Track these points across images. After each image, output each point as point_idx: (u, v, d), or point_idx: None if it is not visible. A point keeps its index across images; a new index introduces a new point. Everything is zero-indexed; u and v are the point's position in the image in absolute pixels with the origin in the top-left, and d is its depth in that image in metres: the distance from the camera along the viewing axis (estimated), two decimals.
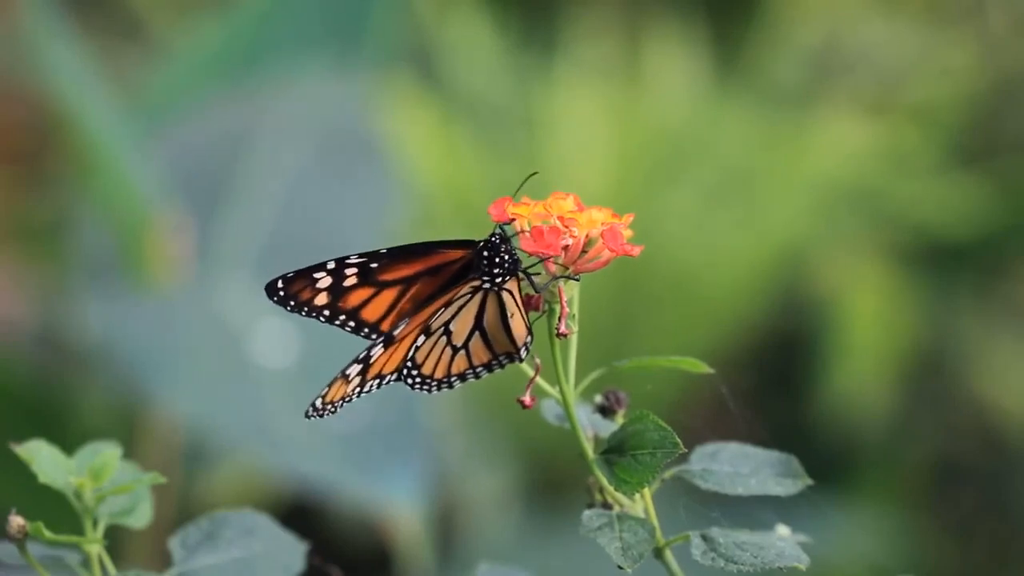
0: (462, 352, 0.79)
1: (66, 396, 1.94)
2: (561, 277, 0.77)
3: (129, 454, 0.83)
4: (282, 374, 1.68)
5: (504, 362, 0.80)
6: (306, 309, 0.81)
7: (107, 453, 0.80)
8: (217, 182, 1.87)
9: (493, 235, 0.78)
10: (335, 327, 0.81)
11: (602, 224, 0.77)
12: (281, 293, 0.81)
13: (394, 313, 0.80)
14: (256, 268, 1.79)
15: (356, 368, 0.79)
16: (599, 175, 2.17)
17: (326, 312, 0.81)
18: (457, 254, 0.80)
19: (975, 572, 2.27)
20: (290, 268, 0.80)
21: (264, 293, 0.83)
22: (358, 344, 0.80)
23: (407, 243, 0.80)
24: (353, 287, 0.80)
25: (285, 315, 1.73)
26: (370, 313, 0.81)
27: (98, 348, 1.80)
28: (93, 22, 2.47)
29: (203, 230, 1.82)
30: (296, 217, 1.85)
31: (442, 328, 0.79)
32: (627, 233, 0.77)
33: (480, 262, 0.79)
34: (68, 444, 0.83)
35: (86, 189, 1.90)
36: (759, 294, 2.25)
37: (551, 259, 0.77)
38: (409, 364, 0.79)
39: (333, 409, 0.79)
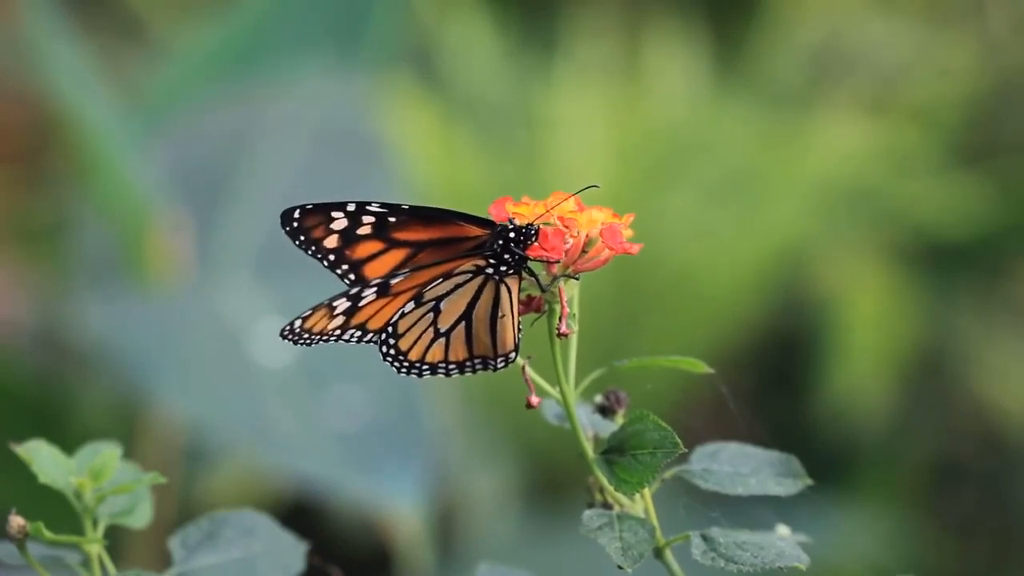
0: (441, 340, 0.78)
1: (66, 396, 1.94)
2: (562, 276, 0.77)
3: (129, 454, 0.83)
4: (282, 374, 1.68)
5: (477, 367, 0.78)
6: (313, 248, 0.80)
7: (107, 453, 0.80)
8: (217, 182, 1.87)
9: (527, 226, 0.78)
10: (335, 276, 0.80)
11: (602, 224, 0.77)
12: (295, 224, 0.80)
13: None
14: (256, 268, 1.79)
15: (344, 304, 0.77)
16: (599, 175, 2.17)
17: (331, 257, 0.79)
18: (474, 231, 0.79)
19: (975, 572, 2.27)
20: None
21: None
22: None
23: (427, 205, 0.79)
24: (365, 237, 0.79)
25: (284, 315, 1.73)
26: (373, 270, 0.79)
27: (98, 348, 1.80)
28: (93, 22, 2.47)
29: (203, 230, 1.82)
30: None
31: (433, 302, 0.78)
32: (627, 233, 0.77)
33: (495, 243, 0.77)
34: (68, 444, 0.83)
35: (86, 189, 1.90)
36: (759, 294, 2.25)
37: (553, 260, 0.77)
38: (390, 329, 0.78)
39: (309, 339, 0.77)
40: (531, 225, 0.77)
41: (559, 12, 2.50)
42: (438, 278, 0.78)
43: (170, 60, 2.09)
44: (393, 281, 0.78)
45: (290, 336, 0.78)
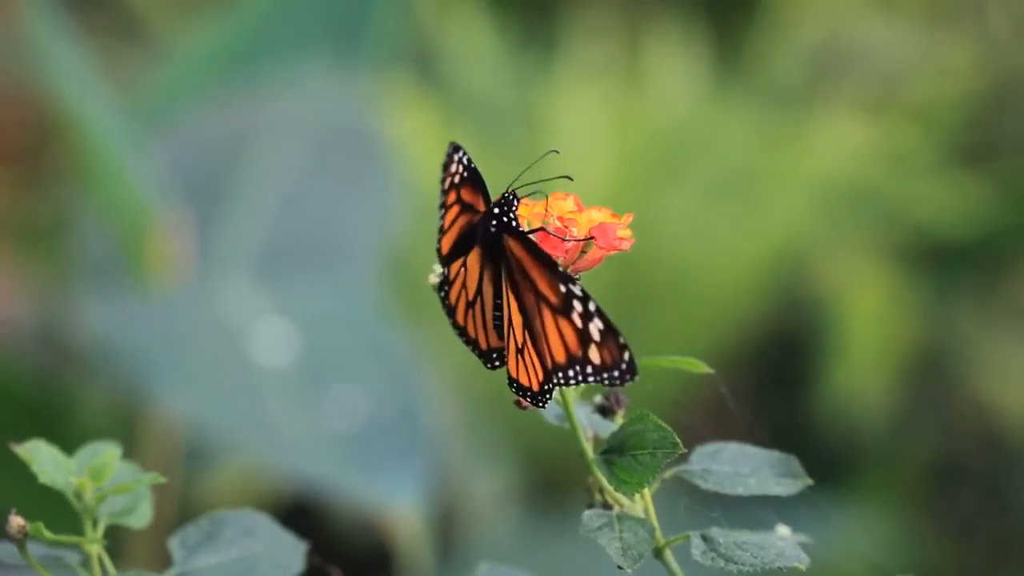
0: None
1: (66, 396, 1.94)
2: None
3: (129, 454, 0.83)
4: (282, 374, 1.68)
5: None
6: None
7: (107, 453, 0.80)
8: (217, 182, 1.87)
9: (505, 194, 0.77)
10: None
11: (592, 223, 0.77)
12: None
13: (447, 236, 0.78)
14: (256, 268, 1.79)
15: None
16: (599, 175, 2.17)
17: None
18: (482, 206, 0.78)
19: (975, 572, 2.27)
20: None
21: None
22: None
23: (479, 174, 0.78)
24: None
25: (284, 315, 1.73)
26: (447, 239, 0.78)
27: (98, 348, 1.80)
28: (93, 22, 2.47)
29: (203, 230, 1.82)
30: (296, 217, 1.85)
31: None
32: (626, 233, 0.77)
33: (489, 224, 0.76)
34: (68, 444, 0.83)
35: (86, 189, 1.90)
36: (759, 294, 2.25)
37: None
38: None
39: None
40: (513, 192, 0.77)
41: (559, 12, 2.50)
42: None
43: (170, 60, 2.09)
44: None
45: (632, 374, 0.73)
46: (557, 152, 0.79)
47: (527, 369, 0.73)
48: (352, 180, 1.88)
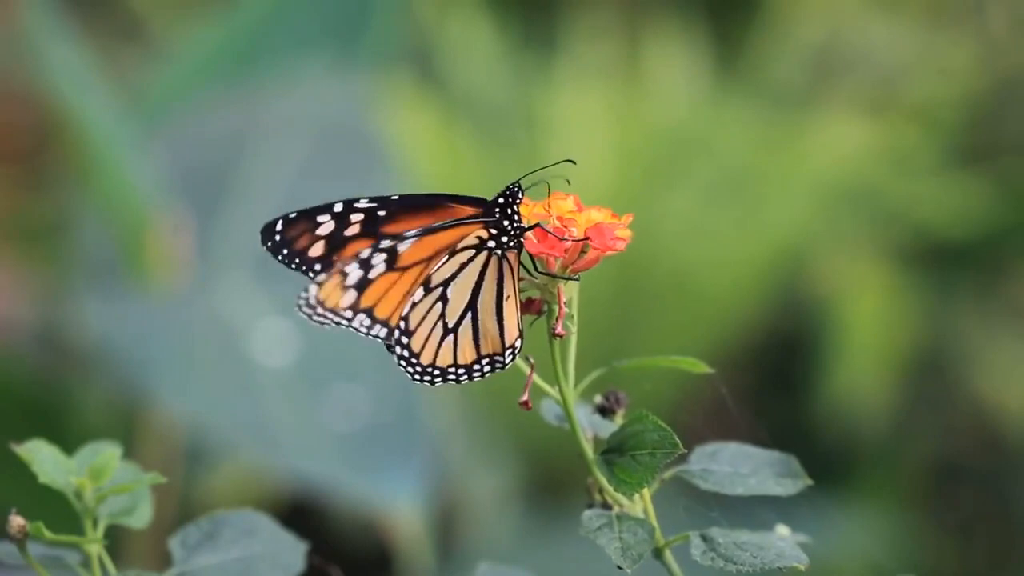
0: (450, 338, 0.75)
1: (66, 396, 1.94)
2: (561, 277, 0.77)
3: (129, 454, 0.83)
4: (282, 374, 1.68)
5: (486, 369, 0.76)
6: (297, 261, 0.75)
7: (107, 453, 0.80)
8: (217, 182, 1.87)
9: (511, 185, 0.76)
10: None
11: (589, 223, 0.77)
12: (277, 238, 0.75)
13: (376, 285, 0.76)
14: (256, 268, 1.79)
15: (356, 272, 0.73)
16: (599, 175, 2.17)
17: (317, 267, 0.75)
18: (466, 211, 0.76)
19: (975, 572, 2.27)
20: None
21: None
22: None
23: (416, 193, 0.76)
24: (353, 237, 0.75)
25: (284, 315, 1.73)
26: None
27: (98, 348, 1.80)
28: (93, 22, 2.47)
29: (203, 230, 1.82)
30: None
31: (441, 289, 0.74)
32: (626, 232, 0.77)
33: (491, 212, 0.75)
34: (68, 444, 0.83)
35: (86, 189, 1.90)
36: (759, 294, 2.25)
37: (552, 259, 0.77)
38: (401, 325, 0.74)
39: (323, 316, 0.73)
40: (519, 184, 0.76)
41: (559, 12, 2.50)
42: (444, 252, 0.75)
43: (170, 60, 2.09)
44: (401, 248, 0.73)
45: (306, 309, 0.73)
46: (574, 163, 0.77)
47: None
48: (352, 180, 1.88)
